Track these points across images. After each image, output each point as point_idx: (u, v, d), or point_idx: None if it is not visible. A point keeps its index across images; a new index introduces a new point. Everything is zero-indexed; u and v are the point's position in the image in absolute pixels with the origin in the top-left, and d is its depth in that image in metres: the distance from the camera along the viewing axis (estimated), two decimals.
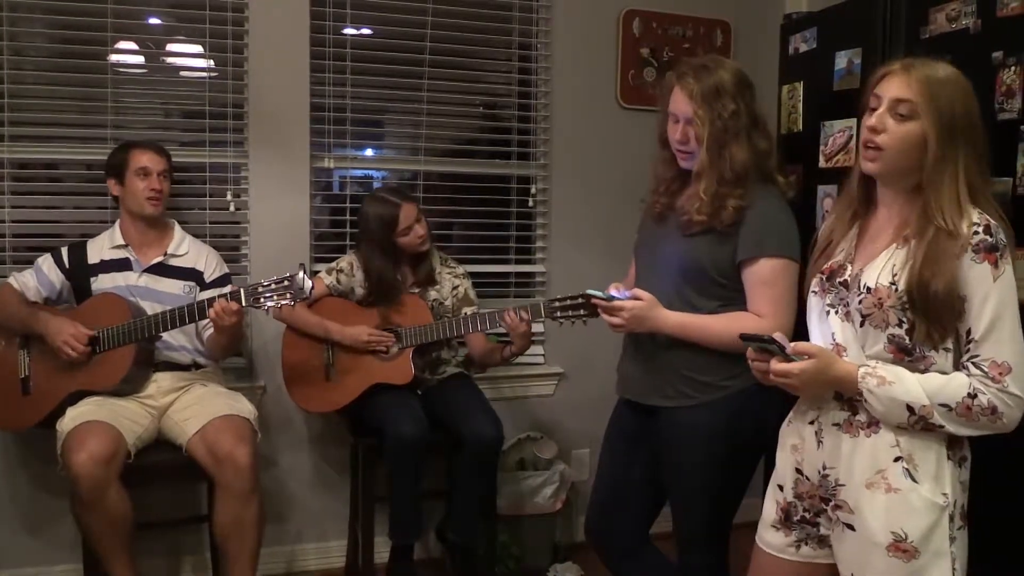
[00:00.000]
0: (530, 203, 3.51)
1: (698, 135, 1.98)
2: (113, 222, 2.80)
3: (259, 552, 2.58)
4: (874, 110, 1.56)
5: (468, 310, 2.94)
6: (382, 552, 2.91)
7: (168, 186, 2.75)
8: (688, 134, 2.00)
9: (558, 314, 2.53)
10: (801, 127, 2.72)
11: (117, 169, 2.70)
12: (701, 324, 1.99)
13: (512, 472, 3.26)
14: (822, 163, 2.61)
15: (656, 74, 3.50)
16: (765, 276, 1.96)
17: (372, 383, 2.80)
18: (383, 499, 2.82)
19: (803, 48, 2.76)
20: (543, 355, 3.52)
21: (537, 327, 2.98)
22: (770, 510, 1.75)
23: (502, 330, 2.76)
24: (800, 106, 2.74)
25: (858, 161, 1.63)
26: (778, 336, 1.58)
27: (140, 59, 3.08)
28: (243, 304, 2.43)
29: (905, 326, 1.51)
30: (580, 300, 2.49)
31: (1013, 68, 2.05)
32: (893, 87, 1.54)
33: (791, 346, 1.56)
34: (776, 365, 1.57)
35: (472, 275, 3.10)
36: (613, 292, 2.05)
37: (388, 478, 2.76)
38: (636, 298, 2.00)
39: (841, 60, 2.57)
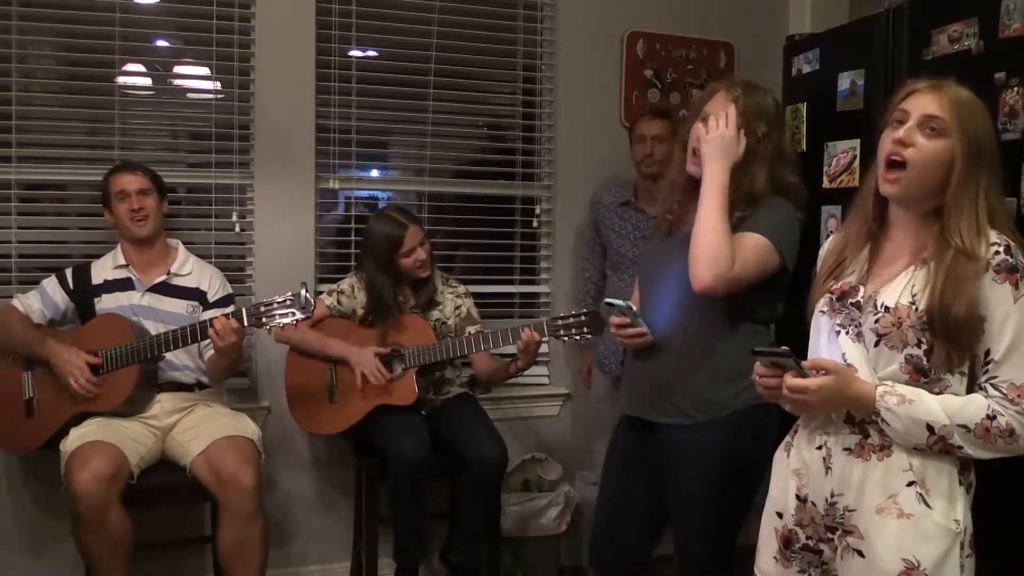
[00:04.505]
0: (534, 224, 3.52)
1: None
2: (117, 244, 2.81)
3: (264, 574, 2.57)
4: (900, 123, 1.54)
5: (471, 329, 2.94)
6: (386, 574, 2.89)
7: (152, 202, 2.71)
8: None
9: (561, 332, 2.53)
10: (804, 148, 2.72)
11: (104, 198, 2.73)
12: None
13: (517, 493, 3.24)
14: (825, 184, 2.61)
15: (660, 95, 3.52)
16: (743, 239, 1.93)
17: (375, 405, 2.80)
18: (387, 521, 2.81)
19: (806, 69, 2.77)
20: (548, 376, 3.51)
21: (542, 347, 2.97)
22: (769, 539, 1.70)
23: (507, 349, 2.75)
24: (803, 127, 2.74)
25: (871, 180, 1.61)
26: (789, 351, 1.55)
27: (147, 81, 3.11)
28: (244, 324, 2.44)
29: (924, 347, 1.49)
30: (583, 317, 2.49)
31: (1016, 89, 2.05)
32: (924, 104, 1.52)
33: (807, 361, 1.53)
34: (791, 381, 1.53)
35: (476, 296, 3.10)
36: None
37: (392, 500, 2.75)
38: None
39: (844, 81, 2.58)
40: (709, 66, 3.57)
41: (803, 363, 1.53)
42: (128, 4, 2.98)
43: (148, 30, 3.05)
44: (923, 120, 1.51)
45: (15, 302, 2.69)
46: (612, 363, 3.10)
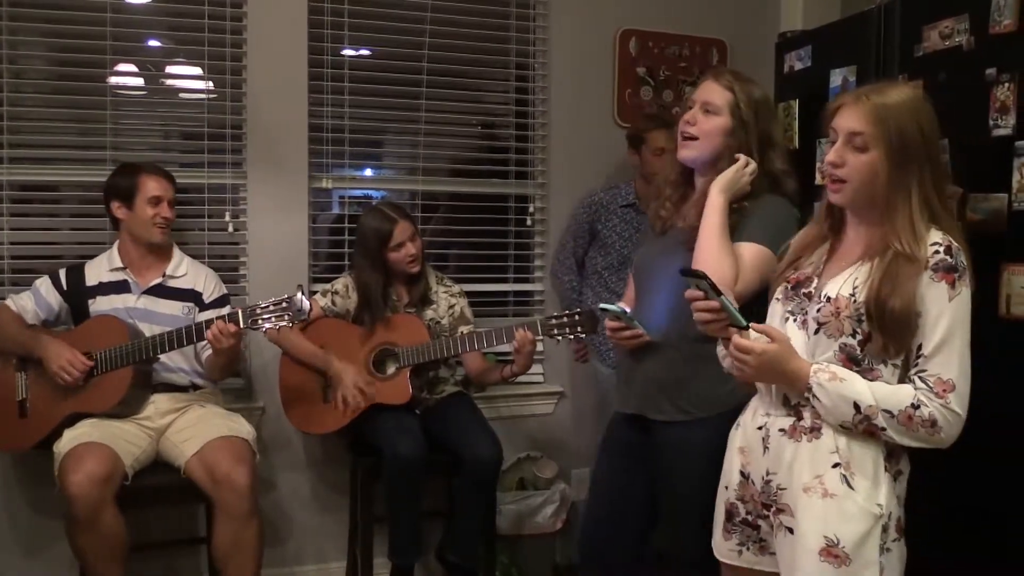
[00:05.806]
0: (528, 222, 3.52)
1: (716, 125, 2.01)
2: (112, 244, 2.80)
3: (259, 574, 2.57)
4: (833, 143, 1.60)
5: (464, 329, 2.94)
6: (382, 573, 2.89)
7: (174, 212, 2.75)
8: (696, 117, 2.03)
9: (555, 331, 2.53)
10: (797, 144, 2.73)
11: (125, 193, 2.68)
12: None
13: (512, 492, 3.24)
14: (818, 180, 2.61)
15: (652, 93, 3.53)
16: (742, 252, 1.95)
17: (370, 404, 2.79)
18: (382, 520, 2.81)
19: (798, 66, 2.78)
20: (542, 374, 3.51)
21: (537, 345, 2.97)
22: (720, 514, 1.79)
23: (501, 349, 2.75)
24: (795, 123, 2.75)
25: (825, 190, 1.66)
26: (723, 289, 1.61)
27: (139, 81, 3.10)
28: (241, 326, 2.44)
29: (859, 337, 1.55)
30: (576, 316, 2.50)
31: (1007, 84, 2.06)
32: (846, 120, 1.58)
33: (757, 325, 1.59)
34: (738, 340, 1.60)
35: (470, 295, 3.10)
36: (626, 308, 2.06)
37: (387, 499, 2.75)
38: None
39: (836, 78, 2.58)
40: (702, 63, 3.57)
41: (754, 326, 1.59)
42: (119, 4, 2.97)
43: (140, 30, 3.04)
44: (848, 137, 1.58)
45: (8, 302, 2.68)
46: (615, 355, 3.09)
